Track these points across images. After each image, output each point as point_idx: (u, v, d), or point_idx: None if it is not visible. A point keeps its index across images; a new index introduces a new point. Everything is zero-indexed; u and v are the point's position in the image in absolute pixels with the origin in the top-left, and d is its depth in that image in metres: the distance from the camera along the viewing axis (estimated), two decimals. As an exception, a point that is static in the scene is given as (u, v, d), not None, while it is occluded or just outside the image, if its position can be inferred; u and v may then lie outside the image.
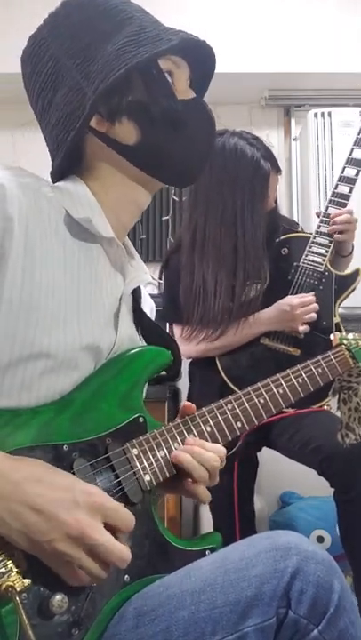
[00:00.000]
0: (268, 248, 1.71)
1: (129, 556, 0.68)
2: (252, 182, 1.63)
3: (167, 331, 1.83)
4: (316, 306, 1.64)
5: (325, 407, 1.64)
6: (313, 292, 1.67)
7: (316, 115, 2.62)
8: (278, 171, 1.72)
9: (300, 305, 1.62)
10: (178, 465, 0.83)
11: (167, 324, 1.86)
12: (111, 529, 0.68)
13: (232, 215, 1.64)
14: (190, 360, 1.82)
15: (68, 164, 0.89)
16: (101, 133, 0.86)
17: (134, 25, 0.85)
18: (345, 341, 1.10)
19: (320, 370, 1.03)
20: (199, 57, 0.91)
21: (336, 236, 1.70)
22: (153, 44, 0.82)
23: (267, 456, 1.77)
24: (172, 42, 0.83)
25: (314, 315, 1.63)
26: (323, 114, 2.61)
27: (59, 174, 0.90)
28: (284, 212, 2.22)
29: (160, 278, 1.85)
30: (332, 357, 1.06)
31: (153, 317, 1.04)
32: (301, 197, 2.81)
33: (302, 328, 1.63)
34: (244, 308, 1.65)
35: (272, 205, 1.74)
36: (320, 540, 1.98)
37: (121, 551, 0.67)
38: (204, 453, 0.84)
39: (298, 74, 2.66)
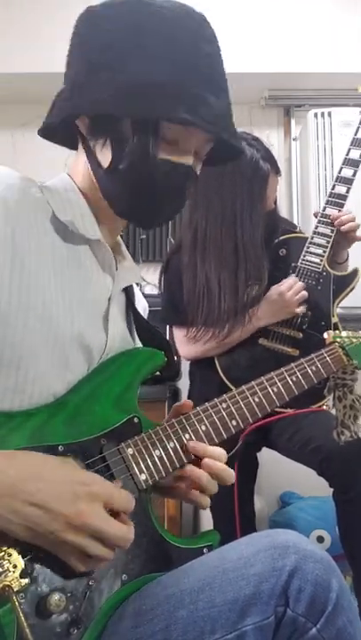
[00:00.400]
0: (267, 249, 1.71)
1: (132, 535, 0.70)
2: (250, 183, 1.63)
3: (167, 333, 1.84)
4: (301, 284, 1.65)
5: (324, 407, 1.64)
6: (305, 288, 1.67)
7: (316, 115, 2.63)
8: (278, 172, 1.72)
9: (287, 289, 1.63)
10: (184, 475, 0.84)
11: (167, 326, 1.86)
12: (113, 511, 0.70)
13: (232, 215, 1.64)
14: (191, 360, 1.82)
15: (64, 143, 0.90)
16: (84, 136, 0.85)
17: (163, 67, 0.78)
18: (338, 339, 1.11)
19: (314, 368, 1.03)
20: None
21: (348, 234, 1.70)
22: (159, 103, 0.77)
23: (267, 456, 1.77)
24: (176, 117, 0.78)
25: (305, 293, 1.64)
26: (323, 114, 2.62)
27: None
28: (284, 212, 2.22)
29: (160, 280, 1.85)
30: (325, 355, 1.06)
31: (146, 317, 1.04)
32: (301, 197, 2.81)
33: (300, 309, 1.64)
34: (248, 307, 1.65)
35: (271, 206, 1.74)
36: (320, 539, 1.98)
37: (123, 532, 0.69)
38: (219, 470, 0.85)
39: (298, 74, 2.67)
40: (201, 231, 1.67)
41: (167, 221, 0.92)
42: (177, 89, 0.78)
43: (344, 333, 1.12)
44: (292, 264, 1.71)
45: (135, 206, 0.86)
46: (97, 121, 0.82)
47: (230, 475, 0.86)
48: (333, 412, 1.14)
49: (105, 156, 0.83)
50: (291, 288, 1.64)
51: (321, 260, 1.69)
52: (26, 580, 0.64)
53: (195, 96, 0.79)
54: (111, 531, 0.68)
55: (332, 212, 1.70)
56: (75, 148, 0.90)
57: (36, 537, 0.65)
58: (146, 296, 1.13)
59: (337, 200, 1.70)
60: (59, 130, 0.86)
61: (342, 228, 1.69)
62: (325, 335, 1.12)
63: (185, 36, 0.80)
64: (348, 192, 1.70)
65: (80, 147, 0.88)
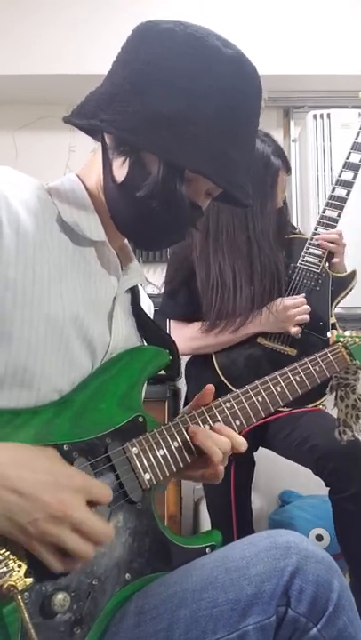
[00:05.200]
0: (277, 246, 1.70)
1: (111, 533, 0.70)
2: (263, 178, 1.63)
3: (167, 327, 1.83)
4: (307, 307, 1.64)
5: (320, 407, 1.64)
6: (303, 295, 1.67)
7: (315, 116, 2.63)
8: (288, 170, 1.71)
9: (292, 306, 1.62)
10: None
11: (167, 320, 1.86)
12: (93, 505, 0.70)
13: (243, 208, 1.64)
14: (188, 360, 1.82)
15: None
16: (105, 144, 0.84)
17: (202, 111, 0.77)
18: (342, 339, 1.11)
19: (317, 367, 1.04)
20: None
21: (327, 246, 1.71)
22: (188, 150, 0.77)
23: (266, 455, 1.78)
24: (200, 172, 0.79)
25: (306, 316, 1.63)
26: (322, 115, 2.62)
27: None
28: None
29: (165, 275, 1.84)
30: (329, 355, 1.07)
31: (151, 316, 1.04)
32: (300, 198, 2.82)
33: (294, 330, 1.63)
34: (266, 297, 1.64)
35: (280, 204, 1.74)
36: (319, 538, 1.98)
37: (104, 528, 0.68)
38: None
39: (297, 75, 2.66)
40: (213, 224, 1.66)
41: (163, 249, 0.93)
42: (209, 142, 0.78)
43: (347, 333, 1.13)
44: (292, 264, 1.72)
45: (140, 231, 0.88)
46: (122, 142, 0.81)
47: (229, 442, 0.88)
48: (335, 411, 1.15)
49: (120, 173, 0.82)
50: (296, 306, 1.62)
51: (320, 262, 1.70)
52: (30, 580, 0.65)
53: (222, 151, 0.79)
54: (93, 524, 0.67)
55: (331, 214, 1.71)
56: (98, 139, 0.88)
57: (17, 529, 0.64)
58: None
59: (337, 202, 1.72)
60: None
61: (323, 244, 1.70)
62: (329, 335, 1.13)
63: (233, 86, 0.80)
64: (348, 195, 1.71)
65: (100, 149, 0.86)
